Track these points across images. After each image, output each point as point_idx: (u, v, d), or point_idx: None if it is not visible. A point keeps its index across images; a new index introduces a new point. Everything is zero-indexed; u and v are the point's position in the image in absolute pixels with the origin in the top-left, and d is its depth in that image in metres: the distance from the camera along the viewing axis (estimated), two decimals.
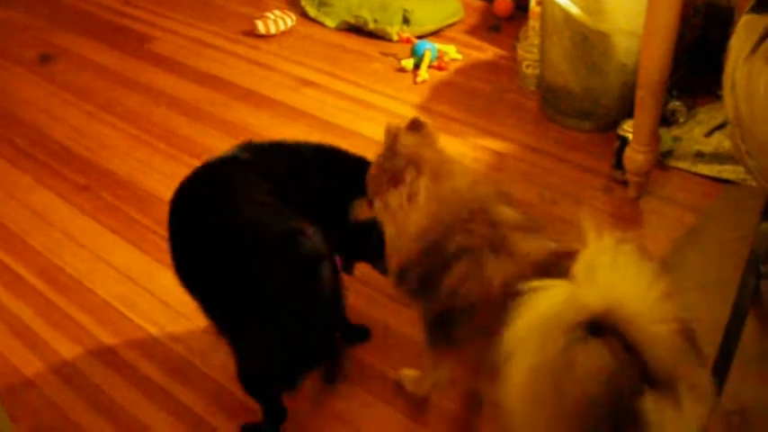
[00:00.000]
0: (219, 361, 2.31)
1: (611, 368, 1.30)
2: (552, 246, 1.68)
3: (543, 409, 1.37)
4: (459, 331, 1.79)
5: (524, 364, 1.35)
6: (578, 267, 1.34)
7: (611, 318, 1.30)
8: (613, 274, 1.33)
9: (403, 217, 1.82)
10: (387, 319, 2.45)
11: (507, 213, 1.76)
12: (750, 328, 2.31)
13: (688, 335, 1.40)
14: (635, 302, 1.31)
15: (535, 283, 1.34)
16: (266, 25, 4.26)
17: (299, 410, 2.18)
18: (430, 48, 3.81)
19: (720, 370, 1.76)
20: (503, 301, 1.43)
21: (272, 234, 1.88)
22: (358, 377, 2.29)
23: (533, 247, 1.68)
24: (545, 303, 1.34)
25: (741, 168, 1.81)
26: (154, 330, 2.49)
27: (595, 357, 1.31)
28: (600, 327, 1.31)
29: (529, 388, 1.36)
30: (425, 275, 1.81)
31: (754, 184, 1.83)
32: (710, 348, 1.74)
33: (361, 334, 2.41)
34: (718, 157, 3.02)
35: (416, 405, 2.20)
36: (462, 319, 1.76)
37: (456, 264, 1.74)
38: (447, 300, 1.77)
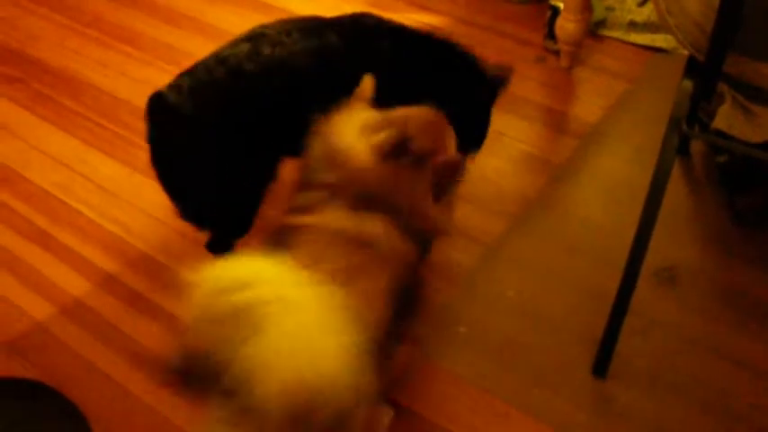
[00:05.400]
0: (157, 240, 2.34)
1: None
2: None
3: None
4: None
5: None
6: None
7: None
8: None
9: None
10: None
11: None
12: (680, 189, 2.39)
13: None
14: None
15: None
16: None
17: None
18: None
19: (647, 225, 1.81)
20: None
21: None
22: None
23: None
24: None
25: (672, 37, 1.84)
26: (91, 214, 2.50)
27: None
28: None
29: None
30: None
31: (684, 52, 1.86)
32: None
33: None
34: (650, 27, 3.04)
35: None
36: None
37: None
38: None
